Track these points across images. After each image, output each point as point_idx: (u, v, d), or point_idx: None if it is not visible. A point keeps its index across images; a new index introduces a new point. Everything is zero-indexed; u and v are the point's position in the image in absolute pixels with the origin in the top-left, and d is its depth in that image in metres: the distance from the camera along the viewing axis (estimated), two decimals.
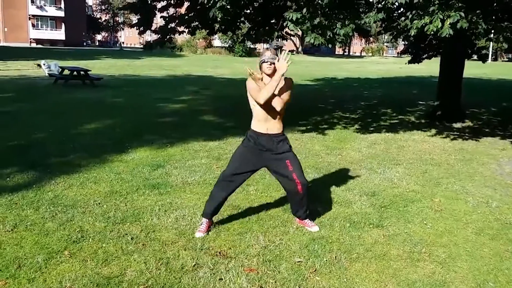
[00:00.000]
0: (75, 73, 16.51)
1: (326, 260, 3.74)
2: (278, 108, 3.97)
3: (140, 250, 3.81)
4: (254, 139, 4.08)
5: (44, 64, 18.26)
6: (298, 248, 3.94)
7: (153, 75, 22.53)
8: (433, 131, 9.91)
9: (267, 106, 3.94)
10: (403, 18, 7.10)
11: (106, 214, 4.54)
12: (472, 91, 17.84)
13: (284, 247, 3.96)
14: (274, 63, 3.89)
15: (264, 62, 3.91)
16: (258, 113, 4.03)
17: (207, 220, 4.22)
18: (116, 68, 25.51)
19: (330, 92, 18.32)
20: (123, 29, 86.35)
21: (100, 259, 3.61)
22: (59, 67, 17.72)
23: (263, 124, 4.04)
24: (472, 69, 31.02)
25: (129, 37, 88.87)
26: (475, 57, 14.88)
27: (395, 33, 9.50)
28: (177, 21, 9.92)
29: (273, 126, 4.05)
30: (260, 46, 69.67)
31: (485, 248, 4.10)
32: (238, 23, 10.55)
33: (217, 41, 64.94)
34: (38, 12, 65.82)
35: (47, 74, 17.69)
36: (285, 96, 4.00)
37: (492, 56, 68.67)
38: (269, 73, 3.92)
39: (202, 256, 3.73)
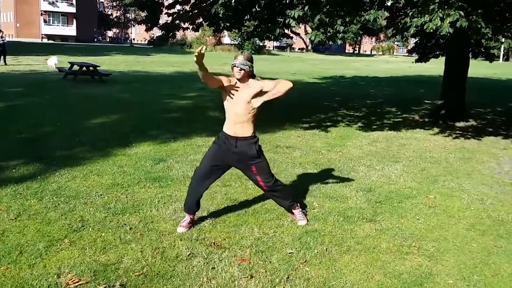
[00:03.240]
0: (84, 68, 16.71)
1: (317, 252, 3.85)
2: (242, 112, 3.98)
3: (137, 239, 3.95)
4: (223, 140, 4.11)
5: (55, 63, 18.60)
6: (291, 240, 4.06)
7: (161, 72, 22.71)
8: (436, 130, 9.96)
9: (233, 109, 4.00)
10: (403, 16, 7.17)
11: (107, 205, 4.68)
12: (480, 91, 17.82)
13: (277, 239, 4.07)
14: (244, 69, 3.90)
15: (234, 66, 3.93)
16: (227, 115, 4.07)
17: (191, 215, 4.28)
18: (126, 64, 25.74)
19: (336, 90, 18.36)
20: (133, 25, 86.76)
21: (98, 247, 3.75)
22: (63, 62, 18.11)
23: (232, 126, 4.05)
24: (482, 69, 30.92)
25: (139, 33, 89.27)
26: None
27: (395, 31, 9.55)
28: (181, 18, 10.04)
29: (240, 130, 4.03)
30: (270, 44, 69.72)
31: (474, 243, 4.19)
32: (243, 21, 10.66)
33: (226, 39, 65.09)
34: (50, 8, 66.44)
35: (55, 69, 18.04)
36: (253, 101, 3.97)
37: (503, 56, 68.14)
38: (239, 78, 3.95)
39: (197, 246, 3.86)
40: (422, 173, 6.49)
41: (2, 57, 21.23)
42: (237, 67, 3.92)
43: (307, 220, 4.47)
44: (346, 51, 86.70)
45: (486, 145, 8.67)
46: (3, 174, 5.45)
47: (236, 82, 4.01)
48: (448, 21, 6.21)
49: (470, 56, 12.33)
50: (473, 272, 3.66)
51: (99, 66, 17.34)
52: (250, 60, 3.98)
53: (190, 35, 57.07)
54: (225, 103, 4.07)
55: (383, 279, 3.49)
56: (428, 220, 4.70)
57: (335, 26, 7.05)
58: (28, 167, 5.76)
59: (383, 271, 3.61)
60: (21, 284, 3.17)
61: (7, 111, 9.72)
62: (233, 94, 3.99)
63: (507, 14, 10.35)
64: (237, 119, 4.02)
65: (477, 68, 27.60)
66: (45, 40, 62.94)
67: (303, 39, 64.99)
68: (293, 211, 4.48)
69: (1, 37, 21.62)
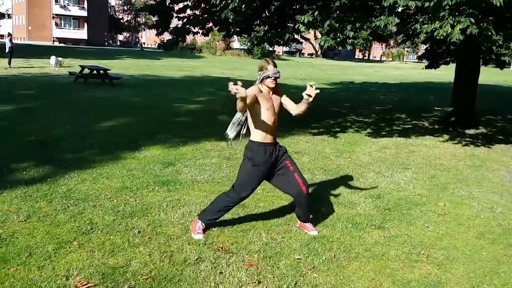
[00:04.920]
0: (94, 72, 16.83)
1: (325, 258, 3.84)
2: (276, 120, 4.06)
3: (146, 243, 3.95)
4: (264, 151, 4.03)
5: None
6: (299, 246, 4.05)
7: (171, 76, 22.80)
8: (446, 136, 9.91)
9: (273, 117, 4.01)
10: (413, 22, 7.15)
11: (116, 208, 4.70)
12: (491, 98, 17.71)
13: (285, 245, 4.07)
14: (278, 77, 3.95)
15: (269, 77, 3.92)
16: (264, 124, 3.99)
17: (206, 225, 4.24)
18: (136, 68, 25.88)
19: (346, 96, 18.34)
20: (144, 29, 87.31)
21: (107, 250, 3.76)
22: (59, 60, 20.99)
23: (269, 134, 4.04)
24: (493, 76, 30.73)
25: (150, 37, 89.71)
26: None
27: (405, 37, 9.54)
28: (191, 22, 10.10)
29: (275, 135, 4.13)
30: (279, 49, 69.77)
31: (484, 252, 4.16)
32: (253, 26, 10.69)
33: (236, 43, 65.24)
34: (62, 12, 67.04)
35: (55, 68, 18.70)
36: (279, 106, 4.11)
37: None
38: (273, 87, 3.98)
39: (205, 251, 3.86)
40: (432, 181, 6.45)
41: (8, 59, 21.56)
42: (271, 77, 3.93)
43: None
44: (356, 56, 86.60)
45: (496, 152, 8.61)
46: (14, 176, 5.50)
47: (269, 91, 4.02)
48: (458, 28, 6.19)
49: (481, 63, 12.27)
50: (483, 281, 3.63)
51: (110, 70, 17.47)
52: (275, 65, 4.01)
53: (200, 39, 57.28)
54: (260, 113, 3.98)
55: (392, 287, 3.47)
56: (438, 228, 4.67)
57: (345, 32, 7.06)
58: (38, 169, 5.80)
59: (391, 278, 3.59)
60: (30, 285, 3.19)
61: (18, 114, 9.80)
62: (268, 104, 3.98)
63: None
64: (274, 127, 4.06)
65: (488, 75, 27.43)
66: (56, 43, 63.43)
67: (312, 45, 64.93)
68: (306, 223, 4.41)
69: (10, 40, 21.95)
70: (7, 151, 6.64)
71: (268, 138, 4.05)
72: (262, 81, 3.97)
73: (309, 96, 3.95)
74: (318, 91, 3.95)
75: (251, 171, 4.06)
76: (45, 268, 3.43)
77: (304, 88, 3.99)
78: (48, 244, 3.79)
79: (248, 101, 3.77)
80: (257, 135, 4.05)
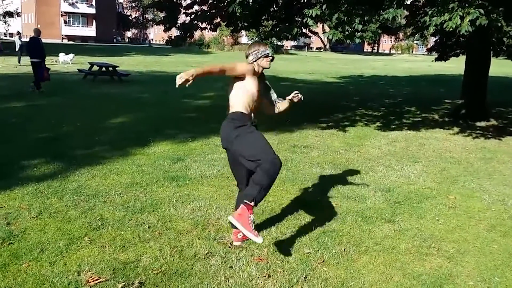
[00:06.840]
0: (103, 69, 16.90)
1: (335, 252, 3.83)
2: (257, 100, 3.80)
3: (156, 238, 3.97)
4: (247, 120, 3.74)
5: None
6: (309, 240, 4.04)
7: (180, 72, 22.69)
8: (456, 129, 9.84)
9: (253, 97, 3.75)
10: (422, 15, 7.10)
11: (126, 203, 4.73)
12: (501, 90, 17.54)
13: (295, 239, 4.06)
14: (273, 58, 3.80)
15: (267, 56, 3.72)
16: (246, 102, 3.79)
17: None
18: (144, 65, 25.94)
19: (355, 89, 18.25)
20: (152, 26, 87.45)
21: (117, 246, 3.78)
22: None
23: (249, 114, 3.78)
24: (504, 67, 30.37)
25: (158, 34, 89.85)
26: None
27: (414, 30, 9.47)
28: (199, 18, 10.10)
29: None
30: (287, 44, 69.49)
31: (495, 245, 4.13)
32: (261, 20, 10.66)
33: (244, 38, 65.14)
34: (70, 9, 67.35)
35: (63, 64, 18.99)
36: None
37: None
38: (268, 68, 3.79)
39: (214, 246, 3.87)
40: (442, 174, 6.41)
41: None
42: (270, 56, 3.73)
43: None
44: (365, 50, 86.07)
45: (507, 145, 8.53)
46: (25, 173, 5.55)
47: (260, 70, 3.79)
48: (468, 20, 6.13)
49: (492, 55, 12.14)
50: (494, 274, 3.61)
51: (118, 67, 17.54)
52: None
53: (208, 35, 57.24)
54: (246, 89, 3.79)
55: (402, 280, 3.46)
56: (448, 221, 4.65)
57: (353, 25, 7.02)
58: (48, 166, 5.85)
59: (402, 272, 3.58)
60: (42, 281, 3.22)
61: (28, 111, 9.88)
62: (254, 83, 3.75)
63: None
64: (254, 106, 3.79)
65: (499, 67, 27.12)
66: (65, 41, 63.73)
67: (321, 38, 64.67)
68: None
69: (20, 38, 22.22)
70: (18, 148, 6.71)
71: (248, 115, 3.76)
72: (257, 60, 3.74)
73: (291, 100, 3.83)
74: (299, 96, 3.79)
75: (249, 131, 3.67)
76: (57, 263, 3.46)
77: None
78: (59, 240, 3.82)
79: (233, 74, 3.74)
80: (241, 109, 3.80)
